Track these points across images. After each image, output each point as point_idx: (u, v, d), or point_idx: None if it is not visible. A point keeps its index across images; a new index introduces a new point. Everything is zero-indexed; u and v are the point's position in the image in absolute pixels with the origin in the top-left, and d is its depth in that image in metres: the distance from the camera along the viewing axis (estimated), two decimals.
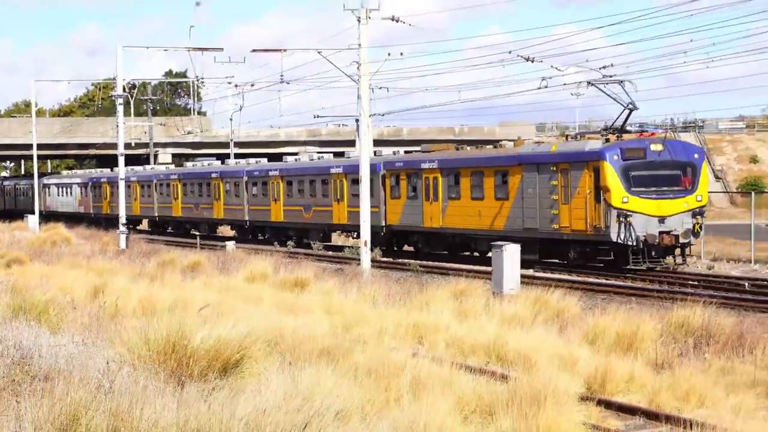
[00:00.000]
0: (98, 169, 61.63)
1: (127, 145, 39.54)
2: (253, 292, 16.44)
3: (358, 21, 22.79)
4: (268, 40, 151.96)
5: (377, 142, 42.81)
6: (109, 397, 5.45)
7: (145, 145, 56.54)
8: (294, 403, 5.78)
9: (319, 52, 27.28)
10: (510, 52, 25.66)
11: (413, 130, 62.02)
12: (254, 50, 30.31)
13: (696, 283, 20.15)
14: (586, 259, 22.70)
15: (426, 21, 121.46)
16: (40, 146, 51.99)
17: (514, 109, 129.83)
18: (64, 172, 69.19)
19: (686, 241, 21.40)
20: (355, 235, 31.20)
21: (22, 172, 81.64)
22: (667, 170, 21.54)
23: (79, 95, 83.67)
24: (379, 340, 10.96)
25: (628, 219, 20.55)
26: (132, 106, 49.71)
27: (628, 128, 22.90)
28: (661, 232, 20.82)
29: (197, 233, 42.35)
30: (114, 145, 38.89)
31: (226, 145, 54.73)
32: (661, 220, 20.94)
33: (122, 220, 35.03)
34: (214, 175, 42.67)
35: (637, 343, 10.73)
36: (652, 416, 8.51)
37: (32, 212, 49.88)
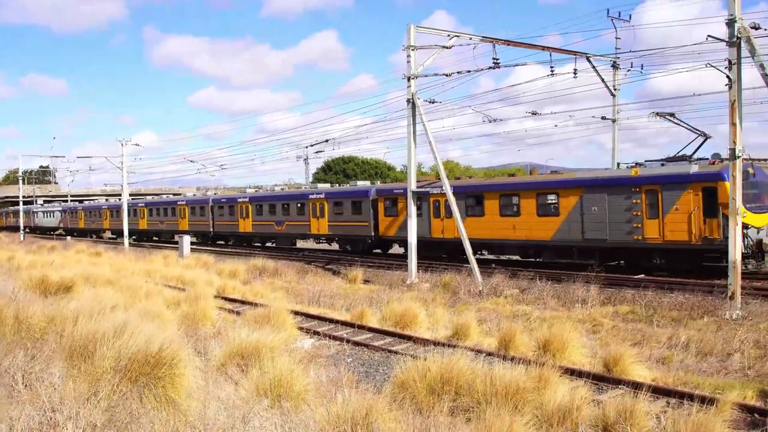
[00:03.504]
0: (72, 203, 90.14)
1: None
2: (76, 257, 28.91)
3: None
4: None
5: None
6: (14, 303, 11.26)
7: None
8: (95, 302, 12.67)
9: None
10: None
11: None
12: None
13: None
14: (675, 263, 25.96)
15: None
16: None
17: None
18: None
19: None
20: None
21: None
22: (759, 189, 25.00)
23: None
24: (132, 276, 22.72)
25: (744, 230, 23.26)
26: (24, 179, 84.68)
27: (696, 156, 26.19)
28: (759, 240, 24.48)
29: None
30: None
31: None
32: (759, 230, 24.40)
33: (22, 227, 75.60)
34: (179, 203, 58.74)
35: (237, 274, 24.60)
36: (246, 303, 21.62)
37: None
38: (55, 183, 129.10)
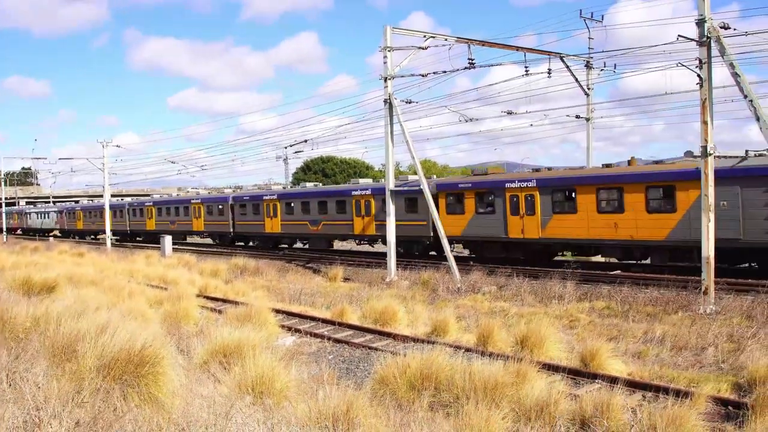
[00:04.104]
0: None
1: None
2: (59, 257, 29.45)
3: None
4: None
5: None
6: None
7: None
8: (78, 302, 14.61)
9: None
10: None
11: None
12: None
13: None
14: None
15: None
16: None
17: None
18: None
19: None
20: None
21: None
22: None
23: None
24: (115, 276, 22.65)
25: None
26: (6, 180, 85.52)
27: None
28: None
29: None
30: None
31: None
32: None
33: (4, 228, 73.23)
34: (194, 201, 54.34)
35: (219, 273, 24.59)
36: (228, 301, 21.68)
37: None
38: (37, 184, 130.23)
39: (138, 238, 64.39)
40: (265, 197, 45.30)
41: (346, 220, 38.47)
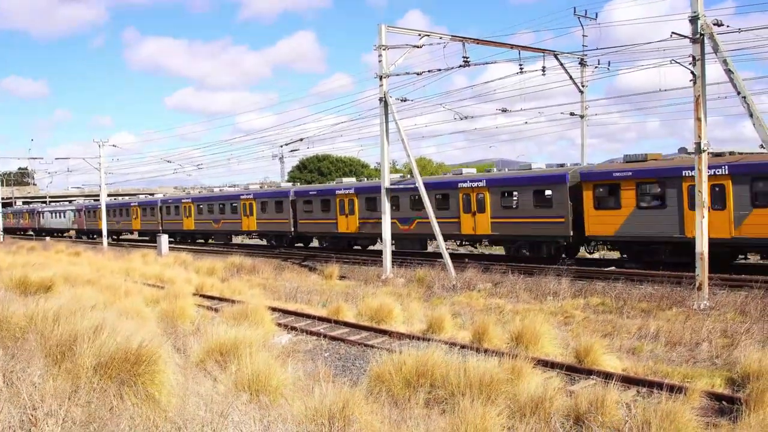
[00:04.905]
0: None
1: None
2: (55, 257, 30.05)
3: None
4: None
5: None
6: None
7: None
8: (75, 301, 13.41)
9: None
10: None
11: None
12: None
13: None
14: None
15: None
16: None
17: None
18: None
19: None
20: None
21: None
22: None
23: None
24: (111, 275, 22.64)
25: None
26: (3, 180, 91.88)
27: None
28: None
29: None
30: None
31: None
32: None
33: (0, 228, 74.66)
34: (244, 197, 48.36)
35: (215, 271, 24.60)
36: (224, 300, 21.68)
37: None
38: (33, 184, 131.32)
39: (171, 239, 56.33)
40: (338, 192, 39.49)
41: (450, 218, 32.82)
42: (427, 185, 32.75)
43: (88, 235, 71.21)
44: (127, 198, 74.61)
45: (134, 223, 62.43)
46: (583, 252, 32.38)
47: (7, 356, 8.08)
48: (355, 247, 41.87)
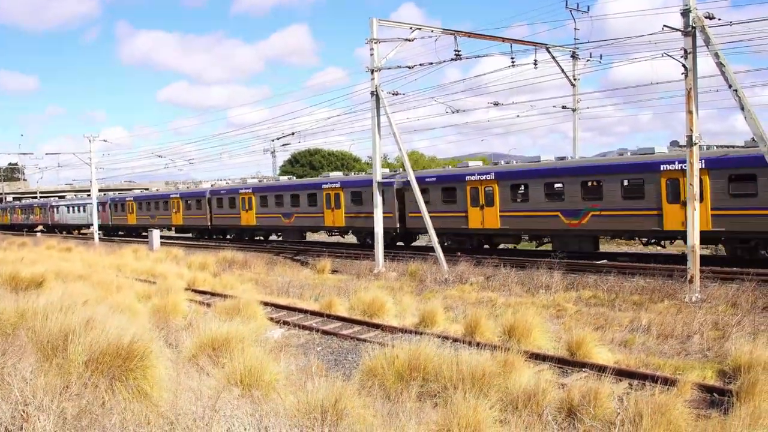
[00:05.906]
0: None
1: None
2: (47, 252, 29.53)
3: None
4: None
5: None
6: None
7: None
8: (66, 297, 14.12)
9: None
10: None
11: None
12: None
13: None
14: None
15: None
16: None
17: None
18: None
19: None
20: None
21: None
22: None
23: None
24: (103, 270, 22.56)
25: None
26: None
27: None
28: None
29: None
30: None
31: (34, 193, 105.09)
32: None
33: None
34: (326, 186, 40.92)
35: (207, 266, 24.52)
36: (216, 294, 21.70)
37: None
38: (24, 180, 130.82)
39: (226, 237, 50.97)
40: (468, 177, 32.00)
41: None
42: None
43: (112, 232, 62.72)
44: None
45: (174, 217, 54.10)
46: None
47: None
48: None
